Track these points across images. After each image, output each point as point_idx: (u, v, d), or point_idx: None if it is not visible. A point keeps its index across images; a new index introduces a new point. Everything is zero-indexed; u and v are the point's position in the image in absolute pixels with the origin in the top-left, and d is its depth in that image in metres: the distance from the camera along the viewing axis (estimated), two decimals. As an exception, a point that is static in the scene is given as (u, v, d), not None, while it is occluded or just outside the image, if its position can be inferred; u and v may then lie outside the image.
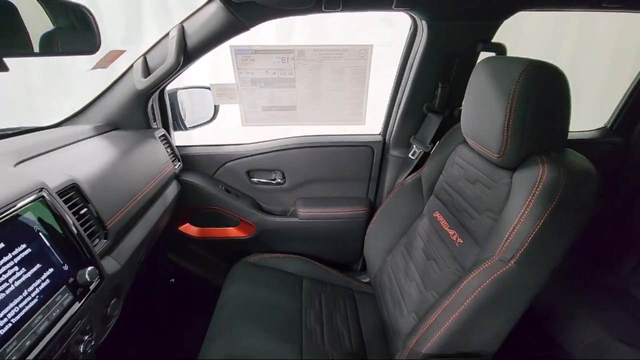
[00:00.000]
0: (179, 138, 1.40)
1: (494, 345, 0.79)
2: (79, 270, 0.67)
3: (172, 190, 1.25)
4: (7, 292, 0.53)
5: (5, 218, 0.55)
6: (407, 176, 1.27)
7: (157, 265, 1.45)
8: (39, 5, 0.54)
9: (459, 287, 0.78)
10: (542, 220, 0.69)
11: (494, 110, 0.77)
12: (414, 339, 0.83)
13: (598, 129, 1.47)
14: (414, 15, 1.09)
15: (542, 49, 2.47)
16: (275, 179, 1.44)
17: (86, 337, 0.69)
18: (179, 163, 1.30)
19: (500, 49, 1.07)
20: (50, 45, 0.60)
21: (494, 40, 1.11)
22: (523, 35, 2.42)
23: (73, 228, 0.68)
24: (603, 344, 1.05)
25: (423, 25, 1.09)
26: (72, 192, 0.74)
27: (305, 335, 1.07)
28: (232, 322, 1.07)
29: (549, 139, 0.76)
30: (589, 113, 1.52)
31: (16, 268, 0.56)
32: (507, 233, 0.74)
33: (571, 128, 0.79)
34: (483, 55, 1.13)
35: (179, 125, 1.40)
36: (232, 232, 1.45)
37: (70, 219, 0.68)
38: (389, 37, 1.68)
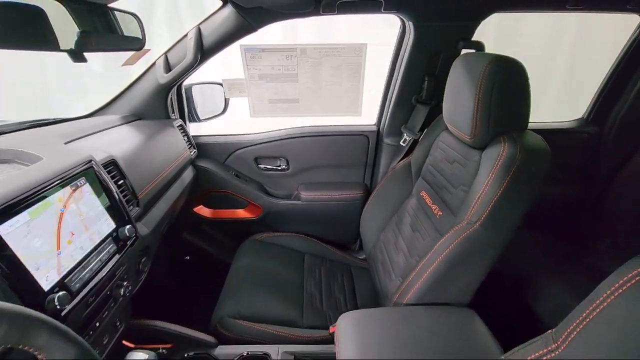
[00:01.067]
0: (193, 129, 1.55)
1: (465, 297, 0.93)
2: (119, 228, 0.83)
3: (188, 174, 1.40)
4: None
5: (67, 179, 0.71)
6: (398, 162, 1.41)
7: (174, 244, 1.60)
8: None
9: (433, 248, 0.92)
10: (501, 189, 0.83)
11: (466, 98, 0.90)
12: (397, 294, 0.98)
13: (576, 119, 1.60)
14: (401, 17, 1.23)
15: (539, 48, 2.58)
16: (280, 165, 1.58)
17: (125, 283, 0.84)
18: (194, 150, 1.45)
19: (478, 46, 1.21)
20: (108, 42, 0.75)
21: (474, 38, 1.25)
22: (522, 35, 2.54)
23: (115, 194, 0.84)
24: (567, 307, 1.18)
25: (410, 26, 1.23)
26: (112, 167, 0.90)
27: (306, 299, 1.22)
28: (241, 287, 1.22)
29: (511, 122, 0.90)
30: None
31: (77, 219, 0.71)
32: (474, 201, 0.88)
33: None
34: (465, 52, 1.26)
35: (194, 117, 1.55)
36: (241, 213, 1.60)
37: (112, 186, 0.84)
38: (390, 36, 1.81)
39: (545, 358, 0.52)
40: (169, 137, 1.30)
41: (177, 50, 1.23)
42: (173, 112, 1.42)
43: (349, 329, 0.84)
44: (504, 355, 0.61)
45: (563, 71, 2.68)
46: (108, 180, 0.83)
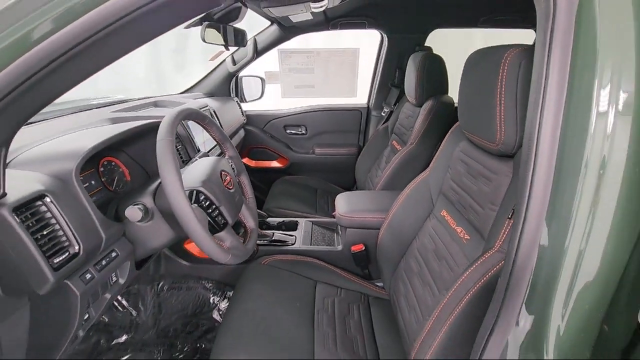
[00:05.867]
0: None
1: None
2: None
3: (241, 133, 2.14)
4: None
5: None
6: (380, 126, 2.12)
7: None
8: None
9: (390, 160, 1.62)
10: (426, 123, 1.54)
11: (412, 78, 1.62)
12: (375, 187, 1.68)
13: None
14: (379, 31, 1.97)
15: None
16: (301, 131, 2.31)
17: None
18: (245, 118, 2.19)
19: (427, 49, 1.92)
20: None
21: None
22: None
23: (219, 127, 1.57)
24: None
25: (385, 37, 1.96)
26: (214, 112, 1.63)
27: (318, 210, 1.92)
28: (276, 197, 1.93)
29: (435, 89, 1.61)
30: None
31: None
32: (413, 132, 1.58)
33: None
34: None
35: (242, 98, 2.29)
36: (273, 163, 2.34)
37: (219, 122, 1.57)
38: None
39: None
40: (231, 107, 2.04)
41: (240, 52, 1.98)
42: (232, 92, 2.16)
43: (343, 198, 1.54)
44: None
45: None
46: (216, 118, 1.57)
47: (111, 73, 0.62)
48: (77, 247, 0.69)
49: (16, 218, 0.60)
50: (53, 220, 0.67)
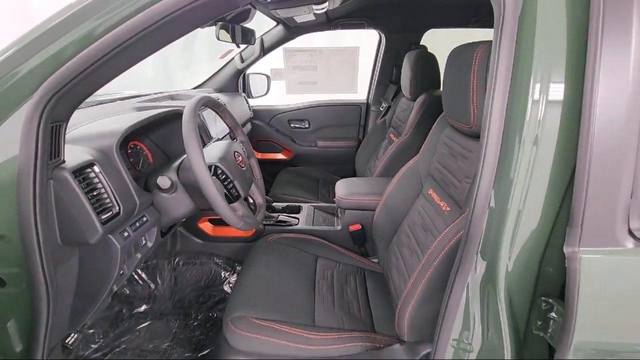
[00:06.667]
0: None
1: None
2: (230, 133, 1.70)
3: (248, 126, 2.29)
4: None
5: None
6: (378, 120, 2.26)
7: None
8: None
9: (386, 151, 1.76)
10: (420, 114, 1.67)
11: (407, 74, 1.75)
12: (374, 173, 1.82)
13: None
14: (378, 31, 2.10)
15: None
16: (304, 125, 2.45)
17: None
18: (252, 112, 2.33)
19: (422, 47, 2.06)
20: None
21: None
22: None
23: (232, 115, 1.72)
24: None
25: (383, 36, 2.10)
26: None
27: (320, 197, 2.06)
28: (281, 185, 2.07)
29: (428, 84, 1.74)
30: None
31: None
32: (407, 123, 1.72)
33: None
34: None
35: (249, 94, 2.44)
36: (279, 155, 2.48)
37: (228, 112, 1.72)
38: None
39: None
40: (239, 102, 2.19)
41: (248, 50, 2.12)
42: (239, 89, 2.31)
43: (342, 182, 1.68)
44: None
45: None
46: (227, 108, 1.71)
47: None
48: (117, 208, 0.84)
49: (75, 180, 0.74)
50: (100, 185, 0.81)
